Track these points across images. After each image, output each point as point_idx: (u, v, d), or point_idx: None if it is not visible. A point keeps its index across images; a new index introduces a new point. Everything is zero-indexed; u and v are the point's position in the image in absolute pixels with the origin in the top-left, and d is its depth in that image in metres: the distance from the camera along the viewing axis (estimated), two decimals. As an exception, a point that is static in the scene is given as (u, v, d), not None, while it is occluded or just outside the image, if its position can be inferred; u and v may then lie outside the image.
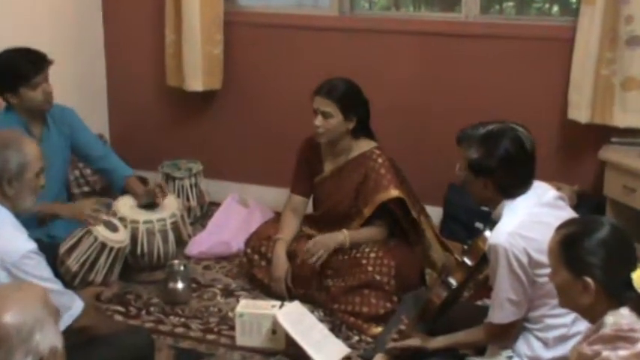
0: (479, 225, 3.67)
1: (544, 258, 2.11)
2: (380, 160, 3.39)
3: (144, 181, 3.86)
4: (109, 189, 3.87)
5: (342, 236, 3.35)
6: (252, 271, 3.56)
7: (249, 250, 3.58)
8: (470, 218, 3.73)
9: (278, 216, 3.84)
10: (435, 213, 3.82)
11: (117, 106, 4.72)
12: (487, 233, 2.52)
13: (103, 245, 3.22)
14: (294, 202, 3.58)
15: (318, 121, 3.32)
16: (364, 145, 3.44)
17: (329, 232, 3.42)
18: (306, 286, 3.40)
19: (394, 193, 3.35)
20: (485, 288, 2.71)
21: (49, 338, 1.68)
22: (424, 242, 3.50)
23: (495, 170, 2.42)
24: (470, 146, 2.47)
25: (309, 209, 3.67)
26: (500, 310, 2.42)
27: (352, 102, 3.34)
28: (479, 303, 3.02)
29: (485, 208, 3.45)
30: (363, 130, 3.42)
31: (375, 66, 4.01)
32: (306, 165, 3.56)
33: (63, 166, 3.50)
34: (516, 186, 2.46)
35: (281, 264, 3.42)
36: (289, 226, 3.53)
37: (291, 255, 3.45)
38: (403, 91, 4.05)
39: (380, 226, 3.43)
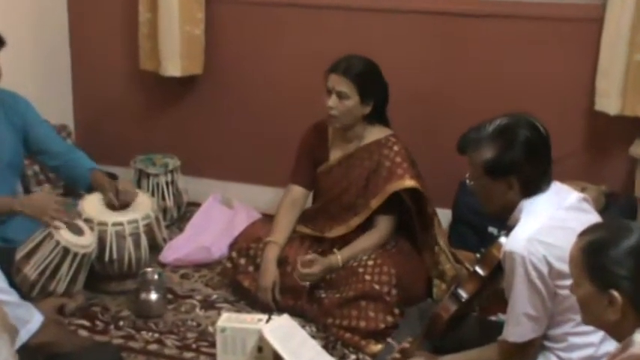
0: (492, 230, 3.67)
1: (567, 267, 2.11)
2: (396, 148, 3.43)
3: (113, 178, 3.84)
4: (73, 186, 3.85)
5: (334, 259, 3.37)
6: (237, 279, 3.56)
7: (234, 254, 3.59)
8: (482, 222, 3.73)
9: (266, 218, 3.84)
10: (443, 216, 3.81)
11: (82, 93, 4.71)
12: (502, 239, 2.52)
13: (66, 250, 3.21)
14: (293, 194, 3.58)
15: (332, 101, 3.34)
16: (378, 133, 3.47)
17: (327, 228, 3.47)
18: (297, 297, 3.41)
19: (409, 182, 3.38)
20: (500, 301, 2.70)
21: (3, 357, 1.67)
22: (434, 248, 3.50)
23: (520, 163, 2.43)
24: (479, 148, 2.48)
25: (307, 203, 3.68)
26: (517, 327, 2.41)
27: (371, 83, 3.37)
28: (492, 318, 3.01)
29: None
30: (378, 116, 3.45)
31: (377, 50, 3.98)
32: (310, 152, 3.58)
33: (15, 158, 3.47)
34: (539, 178, 2.47)
35: (269, 271, 3.42)
36: (284, 227, 3.53)
37: (281, 262, 3.46)
38: (409, 79, 4.04)
39: (382, 228, 3.45)
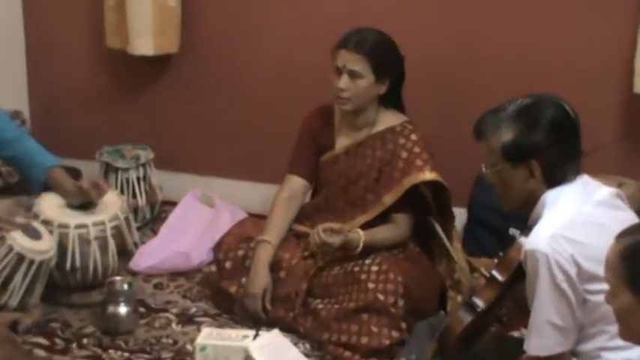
0: (514, 232, 3.67)
1: (598, 269, 2.12)
2: (414, 137, 3.45)
3: (76, 174, 3.84)
4: (27, 183, 3.85)
5: (356, 237, 3.36)
6: (221, 286, 3.57)
7: (220, 256, 3.59)
8: (503, 222, 3.74)
9: (254, 218, 3.84)
10: (457, 216, 3.81)
11: (39, 75, 4.70)
12: (523, 239, 2.52)
13: (21, 257, 3.21)
14: (292, 185, 3.60)
15: (344, 82, 3.36)
16: (393, 118, 3.50)
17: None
18: (289, 308, 3.41)
19: (429, 175, 3.40)
20: (523, 313, 2.71)
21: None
22: (450, 254, 3.52)
23: (544, 145, 2.45)
24: (498, 130, 2.50)
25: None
26: (540, 338, 2.41)
27: (386, 59, 3.40)
28: (515, 334, 3.02)
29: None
30: (393, 97, 3.49)
31: (383, 21, 3.99)
32: (313, 139, 3.60)
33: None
34: (566, 165, 2.48)
35: (260, 276, 3.43)
36: (279, 225, 3.53)
37: (273, 266, 3.47)
38: (419, 56, 4.02)
39: (401, 225, 3.47)
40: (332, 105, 3.53)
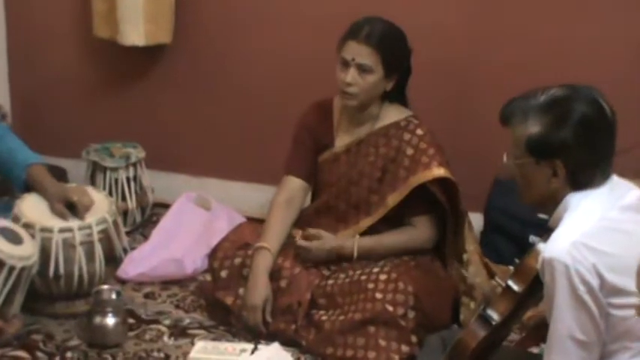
0: (535, 239, 3.67)
1: (624, 281, 2.11)
2: (419, 132, 3.47)
3: (61, 173, 3.85)
4: (8, 184, 3.86)
5: (349, 245, 3.37)
6: (216, 296, 3.57)
7: (215, 264, 3.59)
8: (522, 229, 3.75)
9: (253, 222, 3.85)
10: (474, 222, 3.81)
11: (21, 66, 4.72)
12: (541, 246, 2.52)
13: (0, 263, 3.20)
14: (290, 187, 3.61)
15: (352, 76, 3.37)
16: (397, 113, 3.52)
17: (330, 232, 3.49)
18: (290, 320, 3.41)
19: (437, 172, 3.41)
20: (543, 327, 2.71)
21: None
22: (462, 256, 3.52)
23: (570, 144, 2.43)
24: (526, 120, 2.48)
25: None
26: (562, 354, 2.40)
27: (397, 53, 3.42)
28: (534, 350, 3.02)
29: (544, 216, 3.47)
30: (398, 92, 3.51)
31: (392, 11, 4.01)
32: (310, 137, 3.61)
33: None
34: (593, 169, 2.47)
35: (260, 286, 3.43)
36: (278, 231, 3.54)
37: (273, 275, 3.47)
38: (434, 47, 4.05)
39: (422, 228, 3.50)
40: (331, 100, 3.54)
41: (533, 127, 2.46)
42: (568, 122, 2.44)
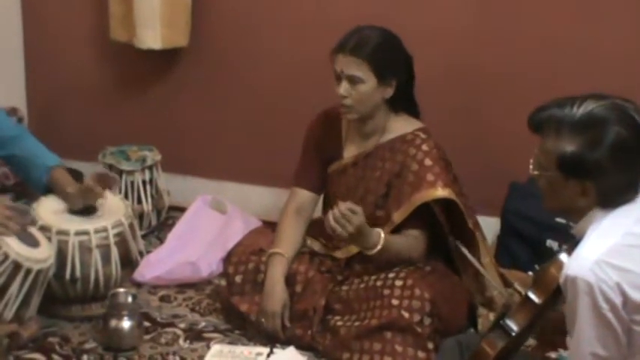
0: (552, 244, 3.65)
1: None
2: (425, 147, 3.42)
3: (77, 176, 3.84)
4: (26, 186, 3.86)
5: (376, 236, 3.29)
6: (231, 301, 3.57)
7: (230, 270, 3.59)
8: (539, 234, 3.72)
9: (268, 226, 3.84)
10: (489, 226, 3.80)
11: (38, 69, 4.72)
12: (563, 257, 2.49)
13: (17, 265, 3.21)
14: (299, 199, 3.60)
15: (344, 89, 3.34)
16: (404, 125, 3.47)
17: (343, 244, 3.47)
18: (307, 325, 3.41)
19: (441, 192, 3.37)
20: (560, 333, 2.69)
21: None
22: (476, 269, 3.49)
23: (604, 167, 2.38)
24: (559, 133, 2.43)
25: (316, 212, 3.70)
26: (582, 370, 2.40)
27: (389, 59, 3.37)
28: (552, 355, 3.00)
29: (562, 220, 3.44)
30: (404, 100, 3.46)
31: (402, 15, 4.00)
32: (318, 148, 3.59)
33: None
34: (623, 190, 2.44)
35: (278, 292, 3.42)
36: (290, 237, 3.54)
37: (288, 280, 3.46)
38: (445, 51, 4.04)
39: (416, 239, 3.44)
40: (338, 108, 3.51)
41: (568, 145, 2.40)
42: (603, 144, 2.36)
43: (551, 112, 2.45)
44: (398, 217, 3.41)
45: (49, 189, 3.59)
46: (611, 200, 2.43)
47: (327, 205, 3.64)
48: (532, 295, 2.57)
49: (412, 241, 3.43)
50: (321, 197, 3.69)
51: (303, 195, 3.61)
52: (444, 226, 3.44)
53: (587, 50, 3.91)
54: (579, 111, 2.42)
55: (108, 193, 3.65)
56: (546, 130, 2.45)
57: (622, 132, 2.38)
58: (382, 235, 3.30)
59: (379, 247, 3.29)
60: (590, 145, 2.38)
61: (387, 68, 3.35)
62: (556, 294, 2.54)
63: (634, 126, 2.39)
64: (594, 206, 2.44)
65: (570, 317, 2.40)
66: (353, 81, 3.32)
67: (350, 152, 3.54)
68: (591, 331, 2.34)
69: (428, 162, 3.40)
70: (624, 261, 2.32)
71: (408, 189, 3.40)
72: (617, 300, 2.31)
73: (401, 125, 3.47)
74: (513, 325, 2.59)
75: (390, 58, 3.36)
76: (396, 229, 3.42)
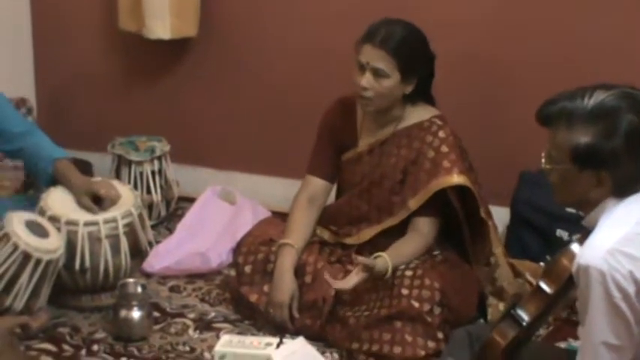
0: (562, 233, 3.64)
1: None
2: (442, 134, 3.42)
3: (86, 167, 3.84)
4: (35, 178, 3.86)
5: (382, 263, 3.30)
6: (241, 291, 3.57)
7: (240, 259, 3.59)
8: (549, 223, 3.72)
9: (278, 216, 3.84)
10: (499, 216, 3.79)
11: (46, 59, 4.73)
12: (575, 247, 2.49)
13: (27, 256, 3.21)
14: (312, 187, 3.60)
15: (367, 81, 3.32)
16: (421, 113, 3.47)
17: (355, 231, 3.47)
18: (316, 315, 3.41)
19: (457, 179, 3.37)
20: (571, 323, 2.68)
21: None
22: (489, 259, 3.49)
23: (620, 155, 2.38)
24: (571, 126, 2.42)
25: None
26: (594, 359, 2.39)
27: (415, 57, 3.36)
28: (562, 345, 2.99)
29: (572, 210, 3.43)
30: (421, 93, 3.46)
31: (417, 5, 3.99)
32: (334, 136, 3.58)
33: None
34: (638, 175, 2.43)
35: (286, 283, 3.42)
36: (301, 227, 3.54)
37: (297, 271, 3.46)
38: (458, 43, 4.02)
39: (424, 232, 3.44)
40: (354, 97, 3.49)
41: (581, 137, 2.39)
42: (618, 133, 2.36)
43: (561, 104, 2.44)
44: (414, 203, 3.40)
45: (54, 181, 3.58)
46: (625, 189, 2.42)
47: (341, 194, 3.64)
48: (543, 285, 2.57)
49: (418, 239, 3.43)
50: (334, 186, 3.68)
51: (317, 184, 3.60)
52: (459, 213, 3.44)
53: (606, 41, 3.89)
54: (590, 102, 2.41)
55: (116, 183, 3.65)
56: (556, 123, 2.45)
57: (635, 120, 2.38)
58: (388, 259, 3.30)
59: (390, 271, 3.31)
60: (604, 134, 2.37)
61: (412, 67, 3.34)
62: (567, 284, 2.54)
63: None
64: (608, 196, 2.43)
65: (582, 307, 2.39)
66: (377, 74, 3.31)
67: (365, 141, 3.54)
68: (603, 320, 2.34)
69: (444, 149, 3.39)
70: (637, 249, 2.32)
71: (424, 176, 3.39)
72: (630, 289, 2.30)
73: (418, 113, 3.47)
74: (524, 315, 2.58)
75: (416, 56, 3.36)
76: (410, 215, 3.43)
